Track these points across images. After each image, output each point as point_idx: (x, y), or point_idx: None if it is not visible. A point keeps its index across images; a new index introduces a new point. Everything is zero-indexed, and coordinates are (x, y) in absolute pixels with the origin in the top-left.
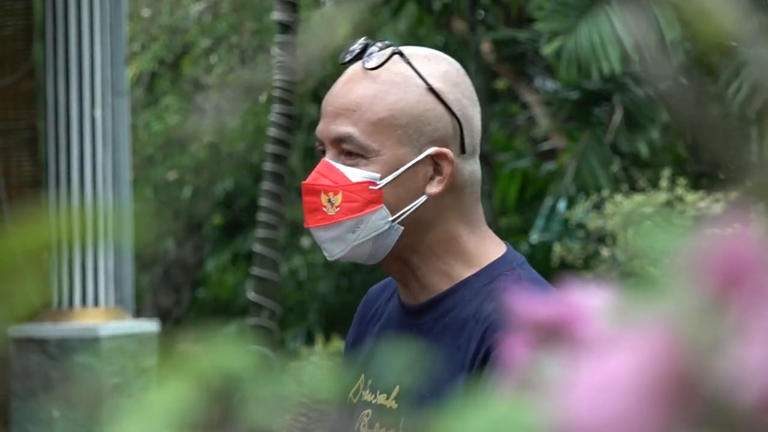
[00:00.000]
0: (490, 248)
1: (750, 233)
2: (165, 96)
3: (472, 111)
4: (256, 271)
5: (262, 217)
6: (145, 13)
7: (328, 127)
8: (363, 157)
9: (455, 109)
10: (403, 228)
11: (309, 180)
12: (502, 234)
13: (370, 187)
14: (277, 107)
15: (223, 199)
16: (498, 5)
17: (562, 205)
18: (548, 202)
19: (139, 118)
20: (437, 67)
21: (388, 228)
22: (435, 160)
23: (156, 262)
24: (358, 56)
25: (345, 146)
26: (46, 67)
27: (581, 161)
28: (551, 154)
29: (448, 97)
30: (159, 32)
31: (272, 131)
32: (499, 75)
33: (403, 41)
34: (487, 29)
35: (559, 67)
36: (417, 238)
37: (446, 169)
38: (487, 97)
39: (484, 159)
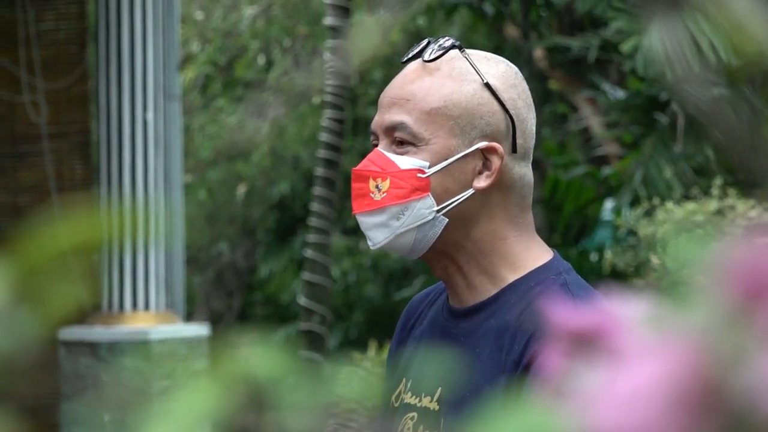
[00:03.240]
0: (537, 253)
1: None
2: (218, 99)
3: (526, 114)
4: (306, 276)
5: (313, 222)
6: (198, 16)
7: (383, 117)
8: (414, 145)
9: (509, 108)
10: (447, 220)
11: (359, 166)
12: (554, 242)
13: (418, 175)
14: (328, 112)
15: (277, 203)
16: (551, 12)
17: (625, 211)
18: (607, 207)
19: (195, 120)
20: (496, 67)
21: (433, 218)
22: (485, 155)
23: (208, 265)
24: (419, 54)
25: (397, 134)
26: (99, 71)
27: (649, 166)
28: (603, 160)
29: (504, 96)
30: (213, 35)
31: (324, 136)
32: (552, 81)
33: None
34: (540, 36)
35: (637, 66)
36: (461, 233)
37: (495, 163)
38: (540, 102)
39: (536, 165)
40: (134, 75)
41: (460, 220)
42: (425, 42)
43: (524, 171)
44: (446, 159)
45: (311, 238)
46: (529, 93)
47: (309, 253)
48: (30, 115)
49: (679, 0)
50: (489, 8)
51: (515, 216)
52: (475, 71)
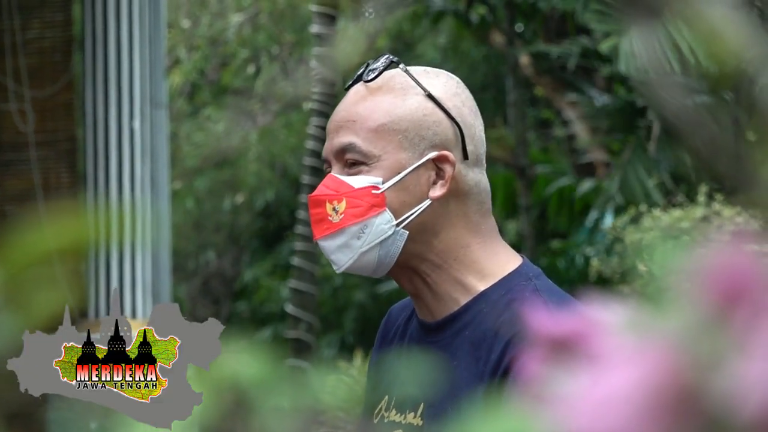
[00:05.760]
0: (504, 260)
1: (751, 250)
2: (205, 107)
3: (472, 120)
4: (293, 283)
5: (299, 230)
6: (185, 24)
7: (332, 142)
8: (365, 164)
9: (455, 116)
10: (408, 233)
11: (314, 192)
12: (540, 250)
13: (373, 191)
14: (314, 120)
15: (263, 210)
16: (536, 19)
17: (608, 219)
18: (593, 216)
19: (182, 128)
20: (436, 78)
21: (393, 233)
22: (437, 164)
23: (195, 273)
24: (360, 77)
25: (348, 156)
26: (85, 79)
27: (627, 172)
28: (590, 167)
29: (447, 104)
30: (200, 42)
31: (310, 144)
32: (537, 88)
33: (444, 55)
34: (525, 43)
35: (619, 67)
36: (424, 245)
37: (447, 171)
38: (525, 109)
39: (522, 172)
40: (121, 83)
41: (421, 231)
42: (365, 65)
43: (479, 177)
44: (399, 173)
45: (298, 246)
46: (473, 100)
47: (296, 260)
48: (16, 123)
49: (658, 7)
50: (475, 16)
51: (476, 223)
52: (417, 84)
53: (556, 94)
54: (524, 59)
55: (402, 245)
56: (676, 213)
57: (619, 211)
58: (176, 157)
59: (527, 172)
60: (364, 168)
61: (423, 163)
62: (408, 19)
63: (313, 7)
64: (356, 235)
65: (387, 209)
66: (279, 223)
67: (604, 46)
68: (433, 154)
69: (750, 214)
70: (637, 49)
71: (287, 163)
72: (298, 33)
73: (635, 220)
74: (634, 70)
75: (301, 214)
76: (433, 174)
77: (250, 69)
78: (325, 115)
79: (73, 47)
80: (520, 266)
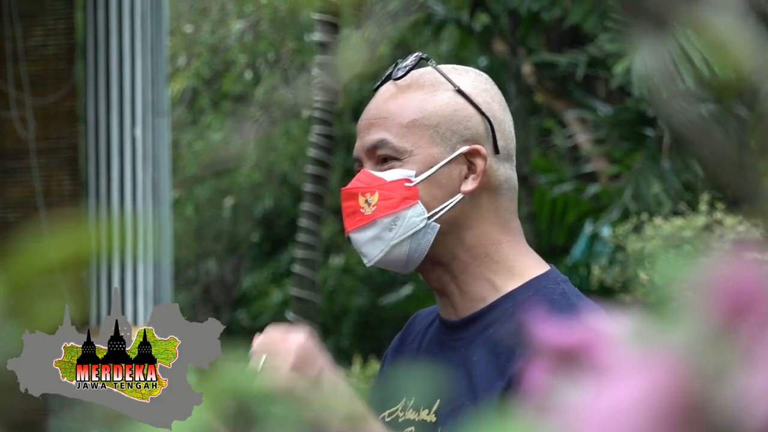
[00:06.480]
0: (531, 262)
1: (757, 263)
2: (205, 114)
3: (502, 115)
4: (294, 291)
5: (300, 237)
6: (188, 29)
7: (363, 140)
8: (397, 159)
9: (485, 110)
10: (439, 227)
11: (347, 186)
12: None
13: (406, 184)
14: (316, 128)
15: (262, 218)
16: (539, 28)
17: (605, 229)
18: (595, 226)
19: (182, 136)
20: (466, 74)
21: (425, 226)
22: (469, 159)
23: (196, 281)
24: (390, 76)
25: (380, 152)
26: (88, 87)
27: (639, 182)
28: (592, 176)
29: (477, 99)
30: (201, 49)
31: (312, 152)
32: (539, 96)
33: (446, 63)
34: (528, 52)
35: (632, 87)
36: (454, 240)
37: (479, 165)
38: (527, 117)
39: (524, 181)
40: (123, 90)
41: (452, 226)
42: (394, 64)
43: (509, 173)
44: (431, 167)
45: (299, 253)
46: (502, 96)
47: (297, 268)
48: (18, 130)
49: (666, 18)
50: (477, 24)
51: (506, 220)
52: (446, 80)
53: (558, 103)
54: (526, 68)
55: (433, 239)
56: (678, 222)
57: (618, 221)
58: (176, 165)
59: (529, 180)
60: (396, 163)
61: (455, 158)
62: (410, 27)
63: (315, 15)
64: (388, 227)
65: (419, 202)
66: (278, 232)
67: (618, 69)
68: (464, 148)
69: (752, 223)
70: (646, 63)
71: (287, 171)
72: (299, 40)
73: (637, 228)
74: (647, 89)
75: (302, 222)
76: (464, 168)
77: (249, 75)
78: (327, 123)
79: (75, 55)
80: (549, 270)
